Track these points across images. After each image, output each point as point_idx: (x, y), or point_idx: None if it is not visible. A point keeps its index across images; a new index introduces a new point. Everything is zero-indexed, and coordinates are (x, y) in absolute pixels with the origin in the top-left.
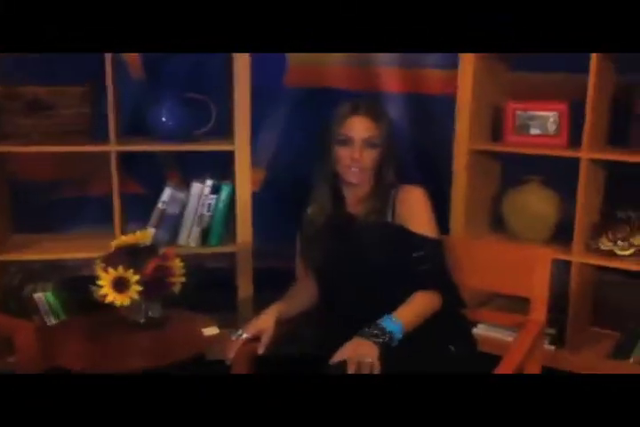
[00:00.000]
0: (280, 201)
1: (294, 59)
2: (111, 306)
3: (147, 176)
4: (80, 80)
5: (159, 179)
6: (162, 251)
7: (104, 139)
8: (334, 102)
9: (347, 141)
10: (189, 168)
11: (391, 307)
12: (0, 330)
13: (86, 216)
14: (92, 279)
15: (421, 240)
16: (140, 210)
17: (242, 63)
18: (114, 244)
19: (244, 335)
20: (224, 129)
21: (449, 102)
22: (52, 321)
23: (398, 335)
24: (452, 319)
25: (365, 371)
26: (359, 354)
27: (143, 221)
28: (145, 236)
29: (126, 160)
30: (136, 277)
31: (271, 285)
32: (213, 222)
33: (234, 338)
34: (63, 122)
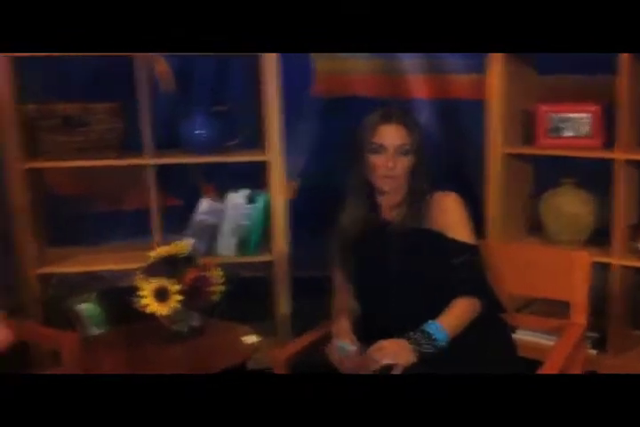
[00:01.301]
0: (313, 210)
1: (320, 68)
2: (152, 316)
3: (182, 188)
4: (111, 96)
5: (195, 191)
6: (200, 261)
7: (137, 153)
8: (362, 111)
9: (379, 150)
10: (224, 179)
11: (430, 315)
12: (45, 342)
13: (120, 229)
14: (133, 290)
15: (459, 246)
16: (176, 222)
17: (270, 73)
18: (153, 254)
19: (352, 346)
20: (257, 139)
21: (477, 107)
22: (93, 332)
23: (442, 343)
24: (491, 325)
25: (386, 371)
26: (394, 356)
27: (180, 232)
28: (183, 246)
29: (161, 173)
30: (177, 287)
31: (308, 293)
32: (250, 232)
33: (352, 353)
34: (96, 138)
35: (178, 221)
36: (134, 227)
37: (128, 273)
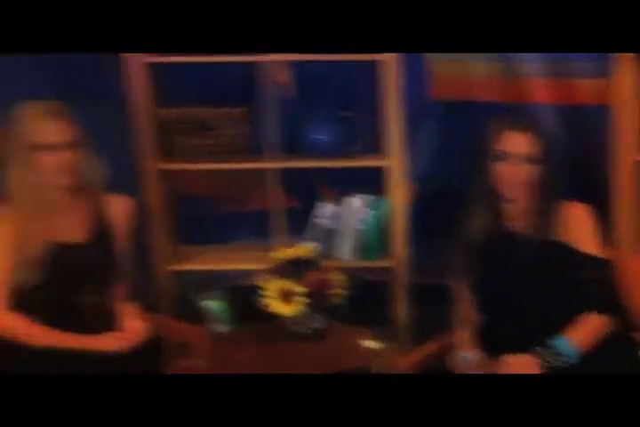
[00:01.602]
0: (429, 215)
1: (438, 71)
2: (276, 316)
3: (303, 191)
4: (235, 101)
5: (312, 193)
6: (323, 264)
7: (259, 156)
8: (481, 116)
9: (504, 157)
10: (344, 183)
11: (556, 329)
12: (176, 335)
13: (242, 230)
14: (258, 289)
15: (589, 260)
16: (295, 223)
17: (390, 77)
18: (277, 256)
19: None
20: (378, 144)
21: (602, 113)
22: (219, 329)
23: (570, 360)
24: (622, 344)
25: None
26: (519, 372)
27: (297, 233)
28: (307, 249)
29: (283, 176)
30: (301, 289)
31: (426, 300)
32: (368, 237)
33: (475, 364)
34: (227, 141)
35: (296, 222)
36: (255, 227)
37: (251, 272)
